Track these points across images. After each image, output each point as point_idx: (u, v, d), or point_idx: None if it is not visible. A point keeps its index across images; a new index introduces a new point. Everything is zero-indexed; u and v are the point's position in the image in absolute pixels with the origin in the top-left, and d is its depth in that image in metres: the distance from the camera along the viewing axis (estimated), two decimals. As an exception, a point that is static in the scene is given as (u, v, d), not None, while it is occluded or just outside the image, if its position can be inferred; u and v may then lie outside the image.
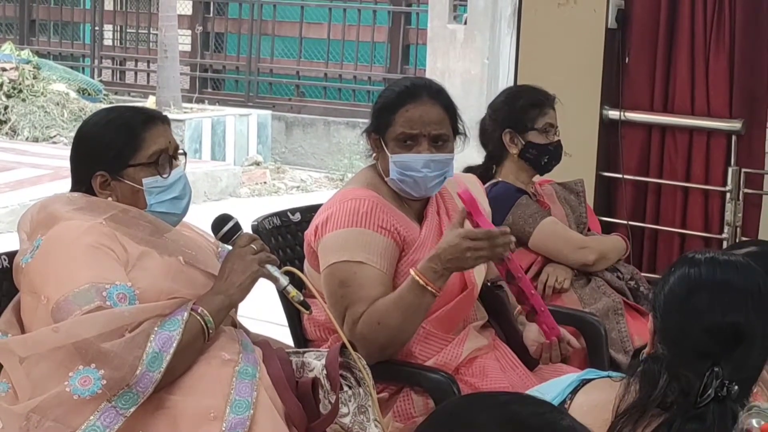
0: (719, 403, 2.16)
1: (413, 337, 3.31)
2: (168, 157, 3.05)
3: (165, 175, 3.02)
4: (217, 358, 2.87)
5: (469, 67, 10.33)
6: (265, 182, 12.30)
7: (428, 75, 10.10)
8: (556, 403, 2.31)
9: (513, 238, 3.19)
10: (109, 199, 2.99)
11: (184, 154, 3.12)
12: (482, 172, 4.19)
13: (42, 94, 13.35)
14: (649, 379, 2.23)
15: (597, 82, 4.97)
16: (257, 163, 12.93)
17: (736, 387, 2.17)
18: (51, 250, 2.86)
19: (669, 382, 2.21)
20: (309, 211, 3.68)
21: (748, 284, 2.23)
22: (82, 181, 3.03)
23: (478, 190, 3.62)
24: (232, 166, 12.30)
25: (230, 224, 3.03)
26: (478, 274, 3.46)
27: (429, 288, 3.15)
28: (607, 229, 4.77)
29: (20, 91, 13.27)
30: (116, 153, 3.00)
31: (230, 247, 3.04)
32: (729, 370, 2.17)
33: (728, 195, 4.85)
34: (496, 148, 4.26)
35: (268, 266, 2.97)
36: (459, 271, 3.25)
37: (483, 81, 9.85)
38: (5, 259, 3.07)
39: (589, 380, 2.40)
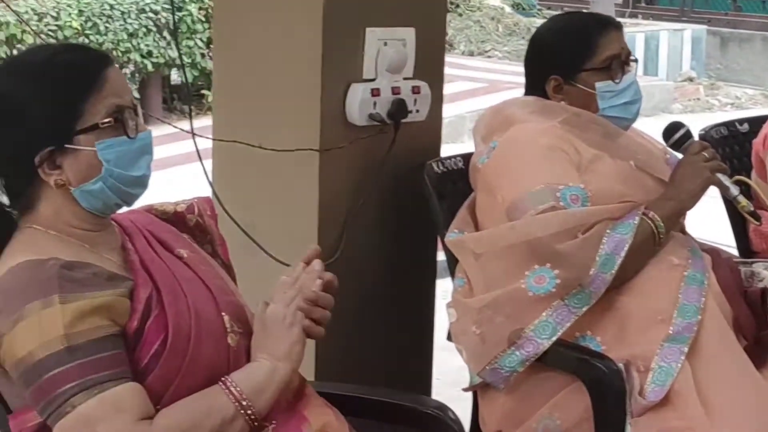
0: None
1: None
2: (620, 63, 3.07)
3: (617, 81, 3.04)
4: (666, 262, 2.88)
5: None
6: (698, 98, 12.08)
7: None
8: None
9: None
10: (562, 103, 3.05)
11: (636, 60, 3.14)
12: None
13: (478, 8, 13.69)
14: None
15: None
16: (690, 79, 12.71)
17: None
18: (507, 151, 2.96)
19: None
20: (758, 122, 3.61)
21: None
22: (536, 86, 3.11)
23: None
24: (665, 81, 12.15)
25: (682, 131, 3.03)
26: None
27: None
28: None
29: (457, 6, 13.66)
30: (570, 58, 3.05)
31: (679, 155, 3.03)
32: None
33: None
34: None
35: (719, 175, 2.95)
36: None
37: None
38: (460, 161, 3.21)
39: None
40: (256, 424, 2.13)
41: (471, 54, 13.13)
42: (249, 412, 2.11)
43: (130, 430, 2.01)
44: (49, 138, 2.09)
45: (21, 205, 2.17)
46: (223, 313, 2.21)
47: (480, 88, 11.32)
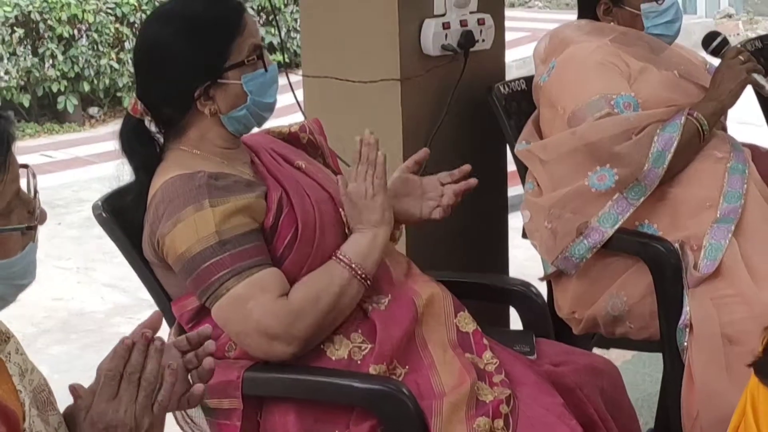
0: None
1: None
2: None
3: (660, 2, 3.42)
4: (711, 156, 3.28)
5: None
6: (737, 34, 12.32)
7: None
8: None
9: None
10: (611, 24, 3.45)
11: None
12: None
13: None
14: None
15: None
16: (729, 16, 12.95)
17: None
18: (565, 68, 3.36)
19: None
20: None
21: None
22: (587, 9, 3.49)
23: None
24: (704, 18, 12.39)
25: (719, 39, 3.43)
26: None
27: None
28: None
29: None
30: None
31: (717, 62, 3.42)
32: None
33: None
34: None
35: (755, 75, 3.33)
36: None
37: None
38: (523, 82, 3.62)
39: None
40: (368, 283, 2.57)
41: (512, 5, 13.46)
42: (359, 272, 2.54)
43: (273, 304, 2.45)
44: (206, 76, 2.56)
45: (173, 131, 2.62)
46: (340, 210, 2.64)
47: (523, 37, 11.63)
